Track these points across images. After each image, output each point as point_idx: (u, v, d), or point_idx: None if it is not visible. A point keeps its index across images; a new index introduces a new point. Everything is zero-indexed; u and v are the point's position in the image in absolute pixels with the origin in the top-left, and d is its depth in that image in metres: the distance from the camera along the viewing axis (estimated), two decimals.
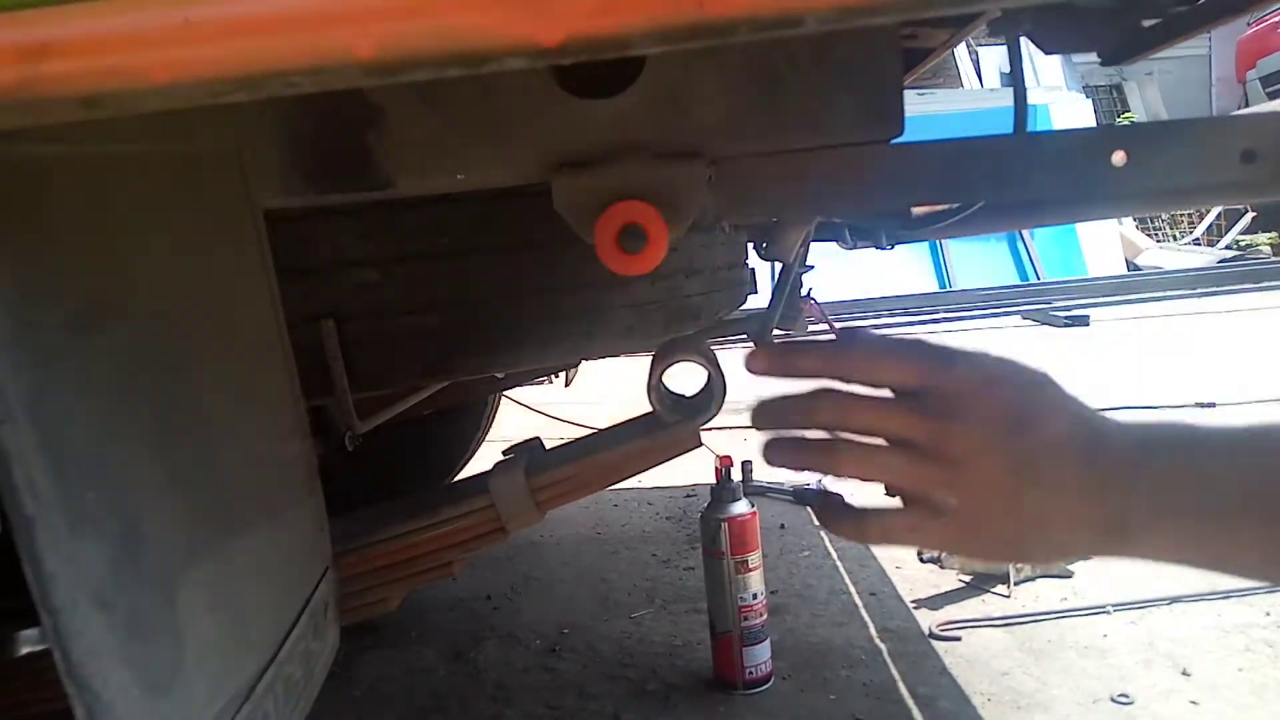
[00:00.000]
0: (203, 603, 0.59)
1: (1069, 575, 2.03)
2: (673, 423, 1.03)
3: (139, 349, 0.59)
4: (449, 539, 1.01)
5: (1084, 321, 6.39)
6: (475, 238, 1.05)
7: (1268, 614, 1.78)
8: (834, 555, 2.34)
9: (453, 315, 1.09)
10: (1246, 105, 10.63)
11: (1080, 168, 0.82)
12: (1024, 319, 6.97)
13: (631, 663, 1.85)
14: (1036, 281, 7.93)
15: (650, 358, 1.10)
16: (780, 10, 0.37)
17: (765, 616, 1.69)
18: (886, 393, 0.55)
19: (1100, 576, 2.02)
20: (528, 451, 1.08)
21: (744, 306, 1.47)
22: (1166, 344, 5.28)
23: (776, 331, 1.45)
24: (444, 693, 1.78)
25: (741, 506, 1.68)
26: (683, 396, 1.09)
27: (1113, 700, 1.53)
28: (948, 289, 8.00)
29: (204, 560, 0.60)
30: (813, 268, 1.62)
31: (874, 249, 1.76)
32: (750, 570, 1.67)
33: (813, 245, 1.98)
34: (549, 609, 2.17)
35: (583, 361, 2.43)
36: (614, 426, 1.10)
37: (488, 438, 2.70)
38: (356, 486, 1.38)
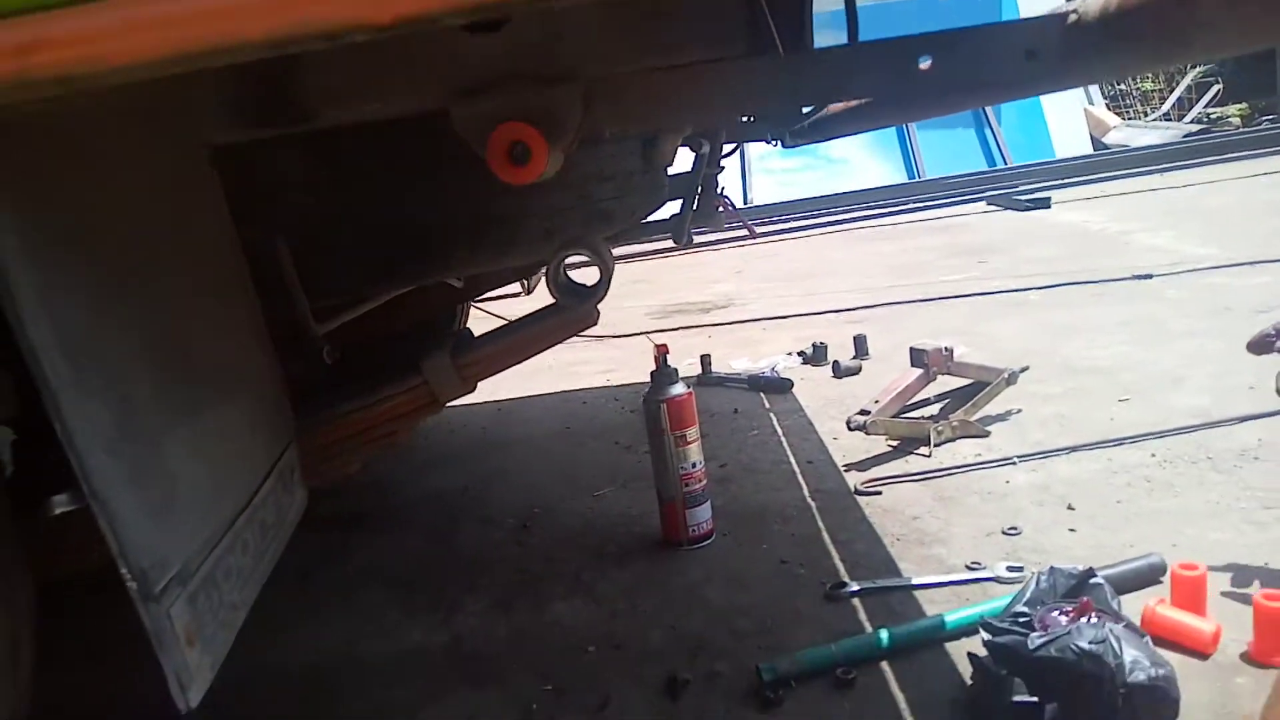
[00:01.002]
0: (186, 455, 0.77)
1: (986, 435, 2.24)
2: (567, 306, 1.20)
3: (120, 258, 0.75)
4: (392, 412, 1.20)
5: (1045, 204, 6.54)
6: (404, 160, 1.20)
7: (1153, 454, 2.01)
8: (779, 432, 2.55)
9: (389, 228, 1.25)
10: None
11: (896, 71, 0.97)
12: (989, 205, 7.11)
13: (593, 532, 2.07)
14: (1003, 167, 8.03)
15: None
16: None
17: (705, 482, 1.90)
18: None
19: (1012, 435, 2.24)
20: (453, 337, 1.26)
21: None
22: (1118, 221, 5.44)
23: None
24: (425, 566, 2.01)
25: (678, 388, 1.87)
26: (580, 285, 1.25)
27: (1003, 533, 1.76)
28: (916, 179, 8.10)
29: (185, 425, 0.78)
30: (724, 169, 1.77)
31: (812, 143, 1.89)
32: (689, 443, 1.87)
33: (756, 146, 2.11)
34: (521, 494, 2.38)
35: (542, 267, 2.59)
36: (527, 314, 1.27)
37: None
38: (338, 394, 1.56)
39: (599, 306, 1.18)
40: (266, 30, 0.54)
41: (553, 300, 1.18)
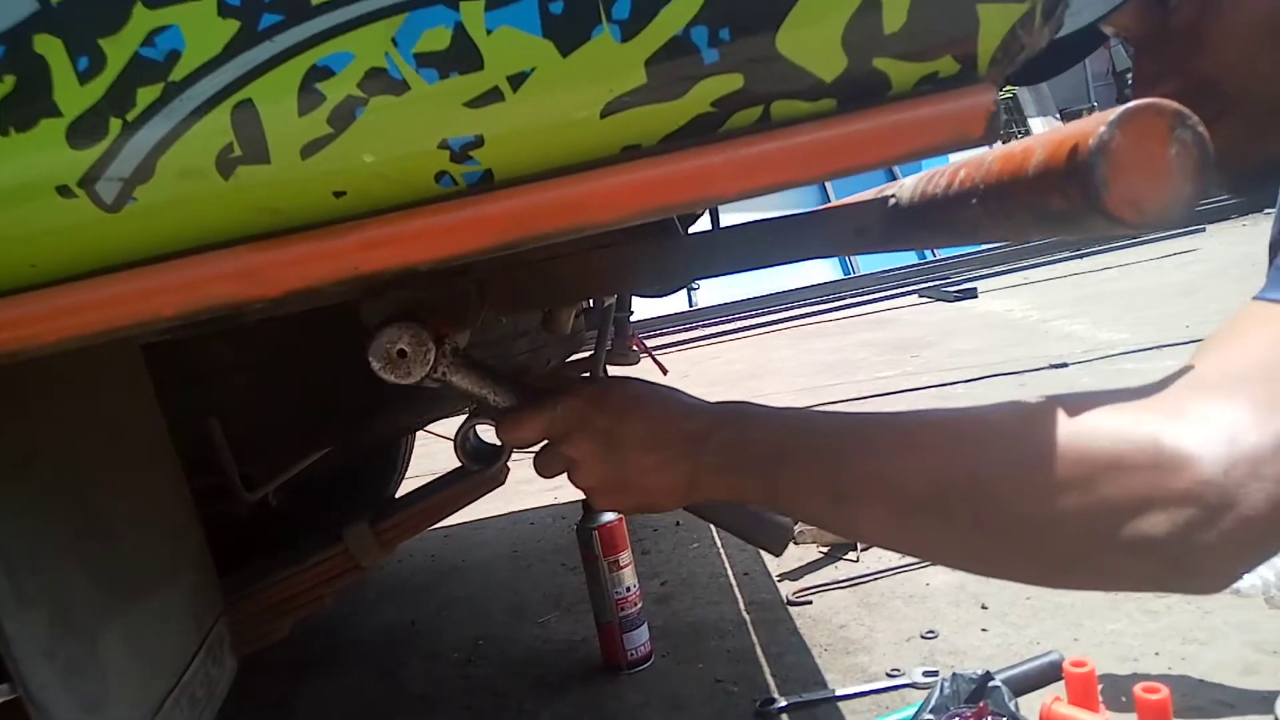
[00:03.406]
0: (120, 647, 0.85)
1: None
2: (474, 470, 1.30)
3: (57, 478, 0.84)
4: (317, 578, 1.28)
5: (972, 294, 6.85)
6: (322, 338, 1.31)
7: None
8: (719, 543, 2.64)
9: (312, 399, 1.35)
10: (1112, 63, 11.37)
11: (751, 248, 1.12)
12: (921, 296, 7.42)
13: (537, 660, 2.12)
14: (932, 259, 8.39)
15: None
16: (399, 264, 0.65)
17: (640, 605, 1.98)
18: None
19: None
20: (376, 504, 1.35)
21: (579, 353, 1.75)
22: (1038, 309, 5.72)
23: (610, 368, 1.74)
24: (373, 709, 2.04)
25: (609, 516, 1.97)
26: (488, 447, 1.36)
27: (921, 637, 1.85)
28: (851, 275, 8.43)
29: (117, 617, 0.86)
30: (634, 313, 1.91)
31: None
32: (622, 568, 1.96)
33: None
34: (468, 625, 2.42)
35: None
36: (436, 479, 1.37)
37: (409, 473, 2.93)
38: (287, 534, 1.62)
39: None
40: (178, 308, 0.65)
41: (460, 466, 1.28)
